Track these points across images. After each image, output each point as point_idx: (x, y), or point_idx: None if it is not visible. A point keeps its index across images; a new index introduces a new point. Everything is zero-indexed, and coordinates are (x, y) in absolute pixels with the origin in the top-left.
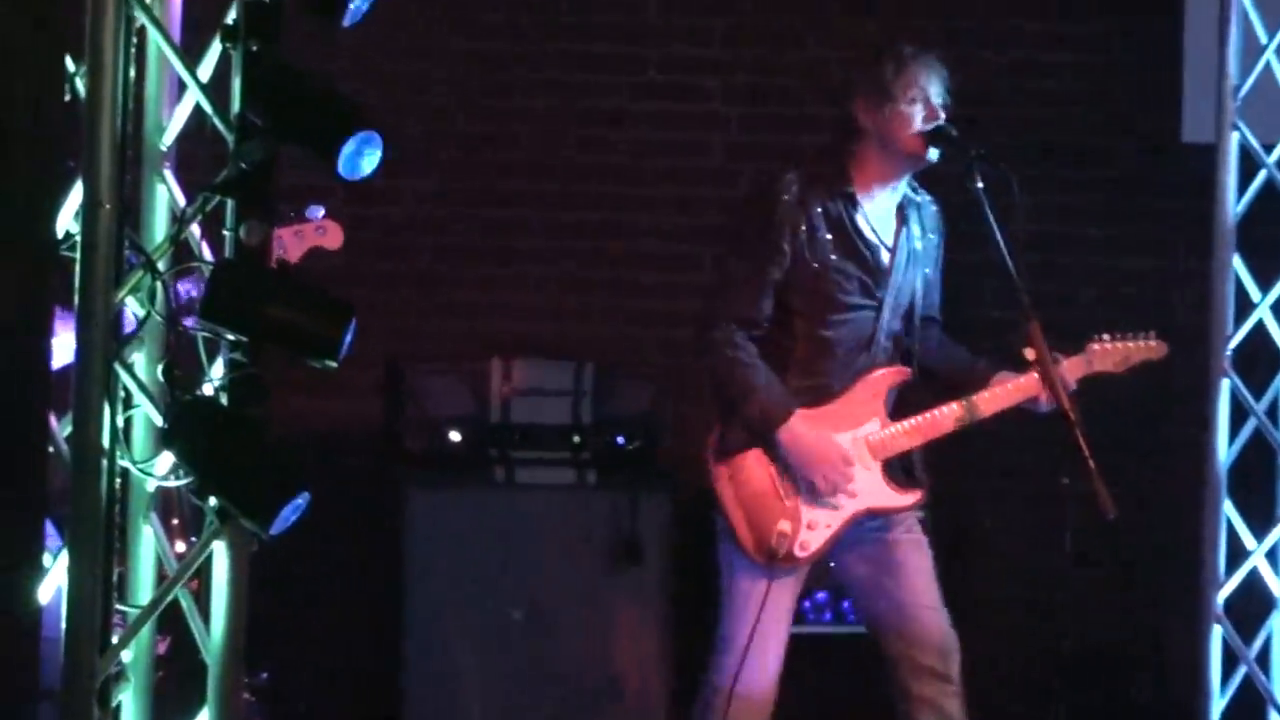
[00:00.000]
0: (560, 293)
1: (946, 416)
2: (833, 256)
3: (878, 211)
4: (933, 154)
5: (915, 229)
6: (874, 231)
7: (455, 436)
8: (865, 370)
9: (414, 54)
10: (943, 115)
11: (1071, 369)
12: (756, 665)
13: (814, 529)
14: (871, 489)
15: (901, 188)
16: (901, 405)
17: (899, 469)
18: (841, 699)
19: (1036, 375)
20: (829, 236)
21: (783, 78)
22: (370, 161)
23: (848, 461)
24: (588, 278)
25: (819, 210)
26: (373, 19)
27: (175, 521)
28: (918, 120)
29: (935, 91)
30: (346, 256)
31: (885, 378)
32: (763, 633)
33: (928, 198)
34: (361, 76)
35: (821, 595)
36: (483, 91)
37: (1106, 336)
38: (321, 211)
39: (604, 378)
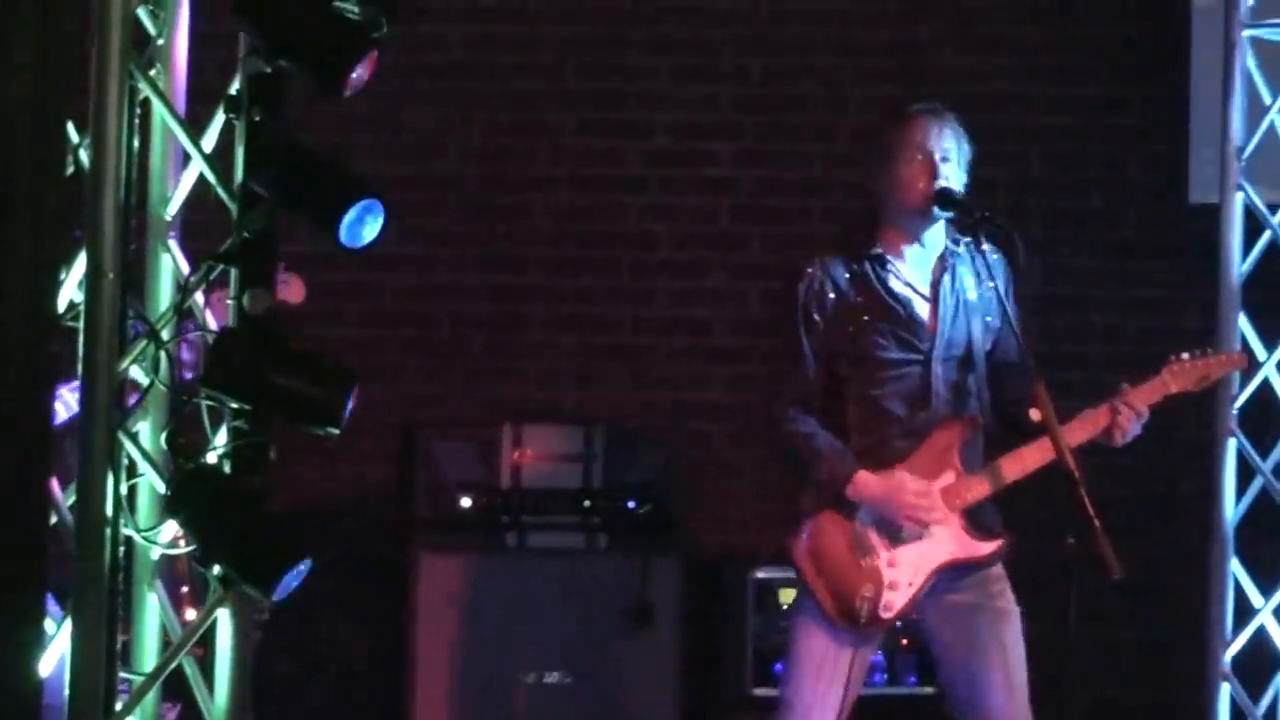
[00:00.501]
0: (571, 358)
1: (1020, 460)
2: (865, 317)
3: (912, 267)
4: (939, 211)
5: (968, 279)
6: (907, 285)
7: (466, 502)
8: (929, 425)
9: (427, 123)
10: (943, 173)
11: (1148, 394)
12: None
13: (896, 589)
14: (951, 540)
15: (934, 241)
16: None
17: (979, 518)
18: None
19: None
20: (859, 299)
21: (791, 142)
22: (372, 230)
23: (923, 493)
24: (598, 343)
25: (846, 276)
26: (385, 88)
27: (185, 590)
28: (920, 180)
29: (939, 147)
30: (359, 325)
31: (953, 431)
32: (824, 693)
33: (989, 246)
34: (375, 145)
35: (876, 657)
36: (495, 158)
37: (1186, 355)
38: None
39: (614, 442)
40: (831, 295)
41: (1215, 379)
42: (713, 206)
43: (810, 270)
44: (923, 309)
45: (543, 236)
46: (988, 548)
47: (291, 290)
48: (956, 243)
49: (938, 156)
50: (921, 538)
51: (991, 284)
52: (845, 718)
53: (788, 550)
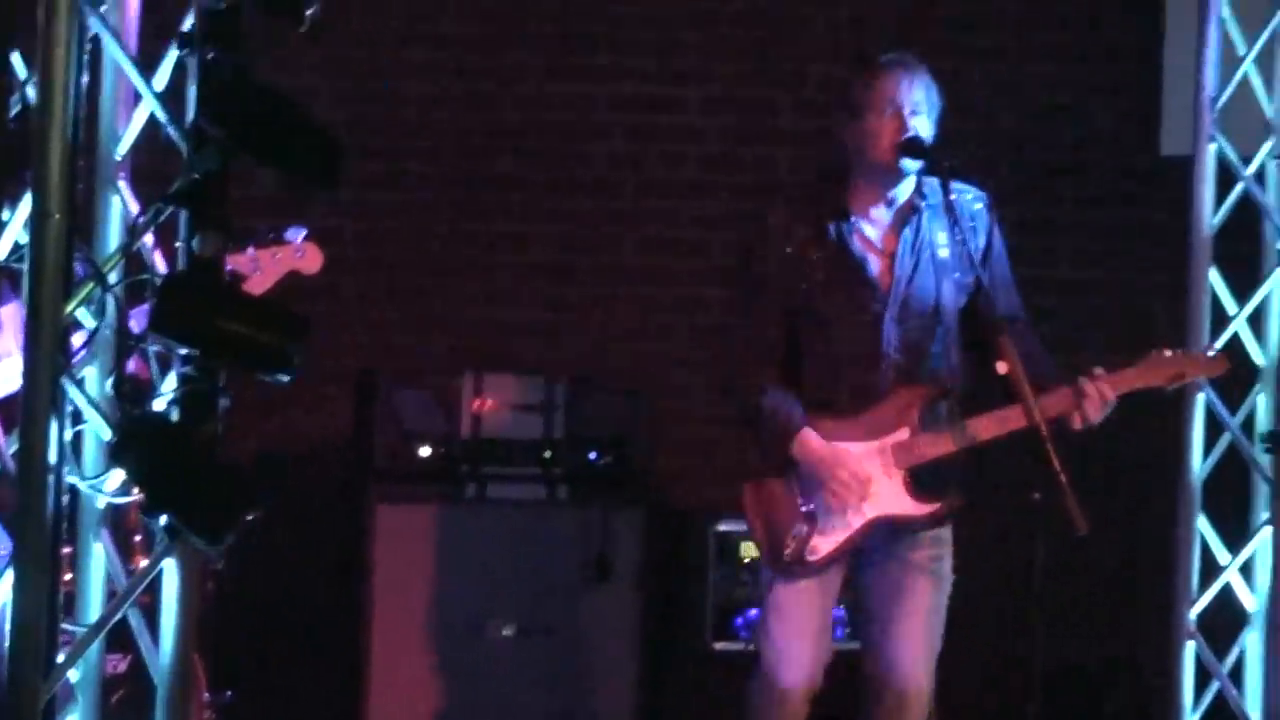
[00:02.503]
0: (534, 307)
1: (975, 427)
2: (819, 275)
3: (876, 223)
4: (908, 164)
5: (940, 235)
6: (866, 242)
7: (425, 451)
8: (882, 385)
9: (392, 69)
10: (912, 126)
11: (1116, 383)
12: (775, 657)
13: (826, 534)
14: (889, 497)
15: (900, 195)
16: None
17: (926, 479)
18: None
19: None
20: (816, 255)
21: (760, 89)
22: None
23: (859, 478)
24: (562, 293)
25: (806, 231)
26: (349, 30)
27: (138, 539)
28: (887, 132)
29: (909, 100)
30: (321, 271)
31: (914, 391)
32: (782, 632)
33: (971, 195)
34: (340, 90)
35: (837, 611)
36: (458, 106)
37: (1168, 351)
38: (302, 234)
39: (577, 393)
40: (789, 249)
41: (1189, 379)
42: (680, 154)
43: (770, 223)
44: (876, 266)
45: (508, 183)
46: (925, 509)
47: (308, 260)
48: (923, 196)
49: (907, 110)
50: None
51: (963, 237)
52: (820, 668)
53: (741, 502)
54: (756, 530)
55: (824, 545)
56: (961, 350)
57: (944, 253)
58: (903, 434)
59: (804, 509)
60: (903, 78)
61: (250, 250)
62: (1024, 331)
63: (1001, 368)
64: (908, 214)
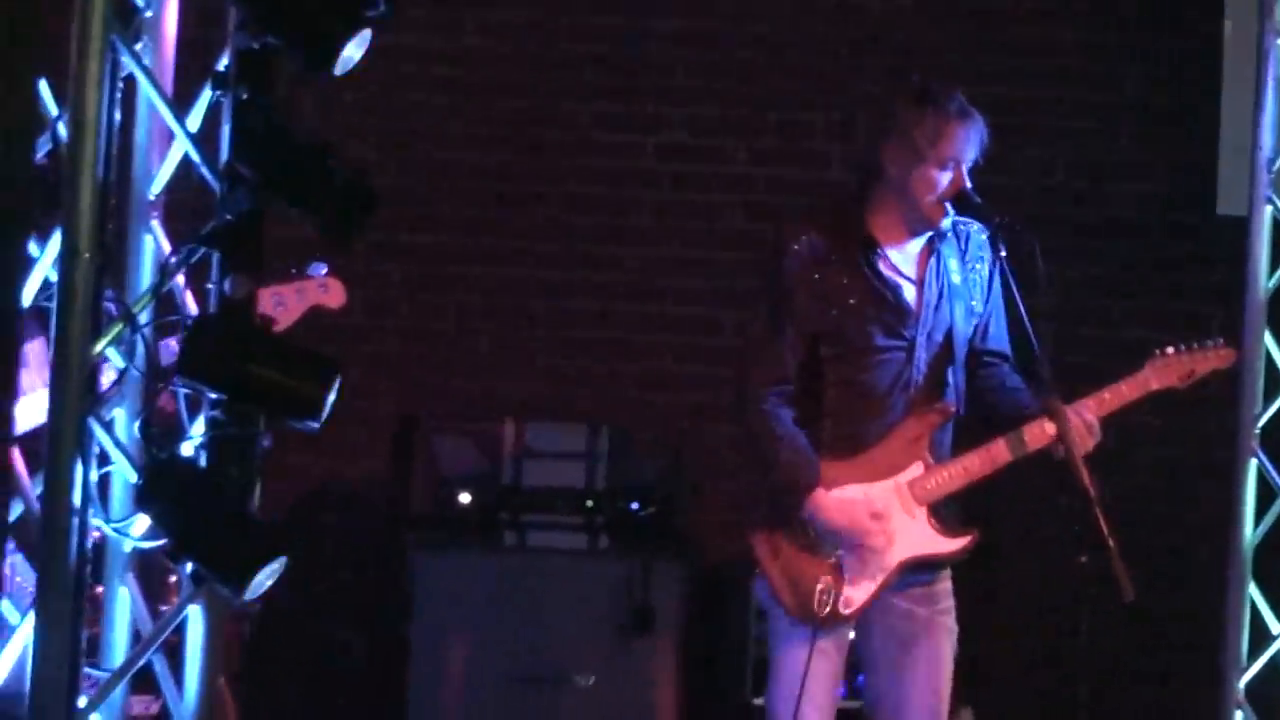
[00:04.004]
0: (577, 355)
1: (990, 455)
2: (851, 300)
3: (901, 250)
4: (946, 223)
5: (952, 262)
6: (895, 270)
7: (465, 498)
8: (904, 414)
9: (437, 113)
10: (968, 182)
11: (1128, 390)
12: None
13: (856, 585)
14: (915, 536)
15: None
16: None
17: (948, 514)
18: None
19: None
20: (845, 280)
21: (806, 141)
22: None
23: (877, 517)
24: (605, 340)
25: (834, 257)
26: (395, 80)
27: (173, 580)
28: (943, 185)
29: (969, 157)
30: (363, 314)
31: (923, 420)
32: (808, 699)
33: (975, 226)
34: (383, 137)
35: None
36: (504, 150)
37: (1170, 350)
38: (324, 269)
39: (619, 442)
40: (817, 276)
41: (1202, 375)
42: (726, 204)
43: (795, 246)
44: (910, 294)
45: (553, 230)
46: (955, 544)
47: (332, 295)
48: (953, 223)
49: (966, 166)
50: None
51: (980, 266)
52: None
53: (746, 533)
54: (779, 584)
55: (857, 596)
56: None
57: (956, 278)
58: (918, 469)
59: (829, 560)
60: (971, 133)
61: (273, 286)
62: (1006, 369)
63: (1049, 428)
64: (933, 240)
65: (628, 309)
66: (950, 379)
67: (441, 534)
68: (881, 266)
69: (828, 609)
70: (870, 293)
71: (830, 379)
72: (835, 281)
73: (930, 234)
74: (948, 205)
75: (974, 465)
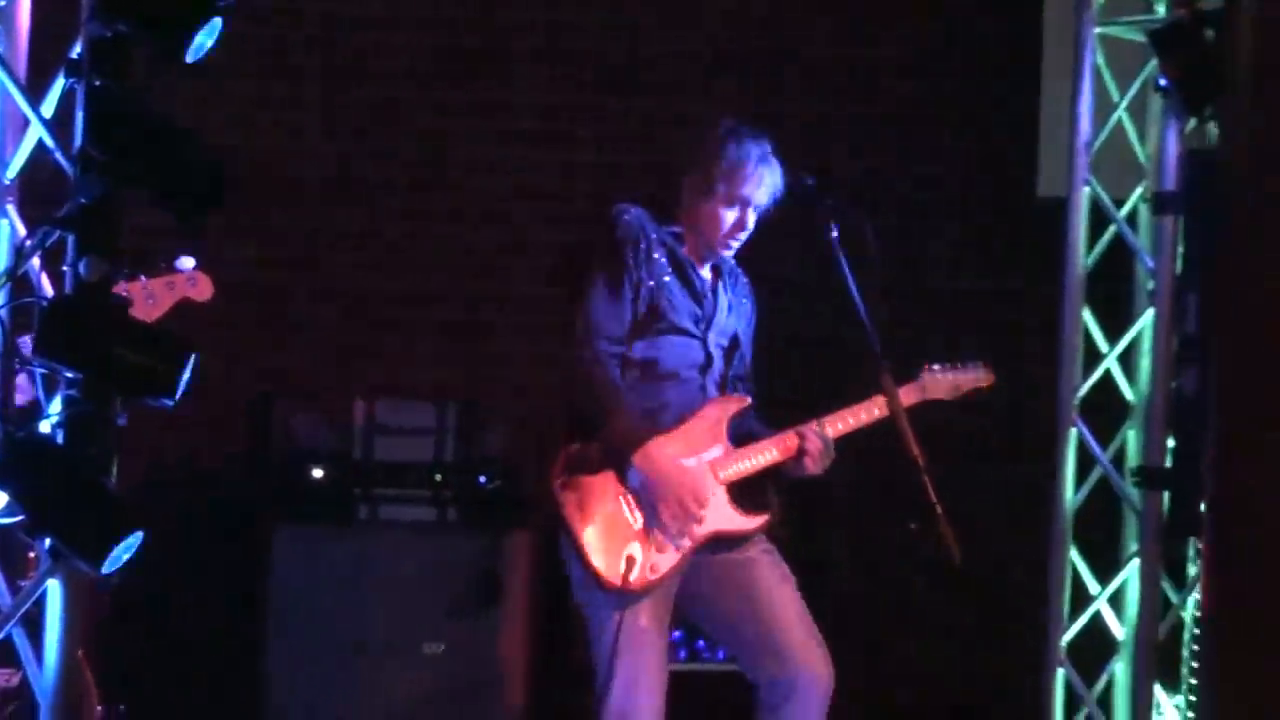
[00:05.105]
0: (424, 336)
1: (788, 439)
2: (666, 278)
3: (699, 257)
4: (727, 257)
5: (728, 291)
6: (694, 270)
7: (319, 473)
8: (704, 398)
9: (289, 103)
10: (751, 226)
11: (905, 396)
12: (630, 691)
13: (663, 551)
14: (717, 513)
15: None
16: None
17: (745, 493)
18: None
19: (878, 404)
20: (663, 259)
21: (647, 126)
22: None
23: (698, 497)
24: (455, 320)
25: (654, 236)
26: (247, 69)
27: (32, 555)
28: (727, 225)
29: (760, 202)
30: (219, 296)
31: (726, 405)
32: (630, 660)
33: (739, 271)
34: (236, 122)
35: (676, 634)
36: (354, 137)
37: (938, 366)
38: (192, 262)
39: (466, 418)
40: (643, 245)
41: (965, 391)
42: (570, 189)
43: (625, 217)
44: (708, 292)
45: (397, 215)
46: (753, 523)
47: (200, 288)
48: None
49: (752, 210)
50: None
51: (745, 303)
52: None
53: (552, 495)
54: (588, 547)
55: (664, 563)
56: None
57: (732, 302)
58: (718, 450)
59: (637, 527)
60: (766, 178)
61: (142, 279)
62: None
63: (880, 400)
64: (719, 264)
65: (470, 291)
66: (742, 374)
67: (296, 508)
68: (685, 262)
69: (634, 575)
70: (684, 277)
71: (635, 353)
72: (655, 257)
73: (716, 260)
74: (730, 243)
75: (770, 453)
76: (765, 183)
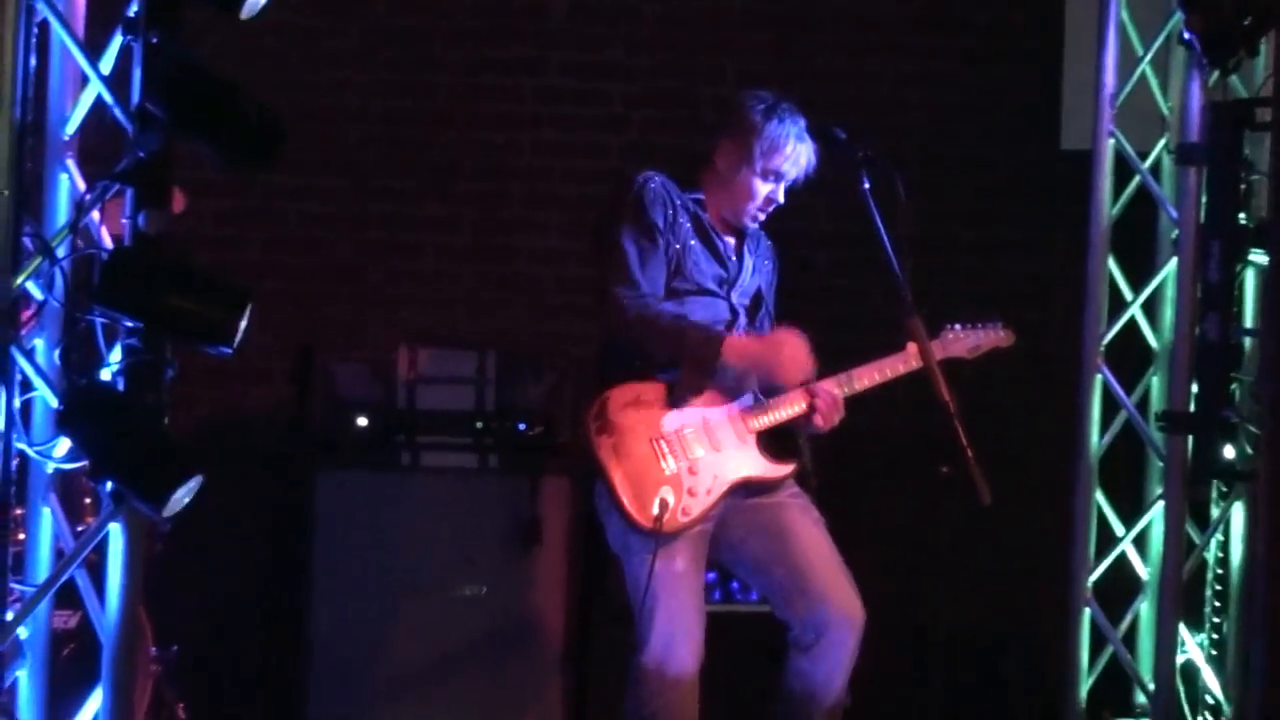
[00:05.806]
0: (466, 286)
1: (806, 394)
2: (692, 242)
3: (722, 223)
4: (752, 227)
5: (751, 254)
6: (718, 235)
7: (362, 421)
8: None
9: (330, 59)
10: (781, 200)
11: (926, 354)
12: (669, 634)
13: (695, 495)
14: (748, 460)
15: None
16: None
17: (775, 441)
18: (734, 678)
19: (912, 354)
20: (687, 224)
21: (680, 82)
22: None
23: (797, 356)
24: (493, 271)
25: (678, 201)
26: (289, 29)
27: (88, 501)
28: (760, 197)
29: (792, 177)
30: (261, 251)
31: None
32: (667, 603)
33: (762, 234)
34: (280, 80)
35: (710, 575)
36: (397, 93)
37: (959, 325)
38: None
39: (506, 366)
40: (669, 211)
41: (985, 350)
42: (605, 144)
43: (651, 183)
44: (733, 255)
45: (441, 169)
46: (782, 470)
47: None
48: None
49: (784, 185)
50: (720, 451)
51: (768, 263)
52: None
53: (587, 439)
54: (623, 491)
55: (696, 506)
56: None
57: (754, 264)
58: (748, 399)
59: (671, 472)
60: (802, 156)
61: None
62: None
63: (911, 348)
64: (743, 235)
65: (511, 243)
66: (768, 327)
67: (341, 456)
68: (710, 228)
69: (667, 517)
70: (707, 241)
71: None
72: (680, 221)
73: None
74: (759, 214)
75: (799, 404)
76: (801, 161)
